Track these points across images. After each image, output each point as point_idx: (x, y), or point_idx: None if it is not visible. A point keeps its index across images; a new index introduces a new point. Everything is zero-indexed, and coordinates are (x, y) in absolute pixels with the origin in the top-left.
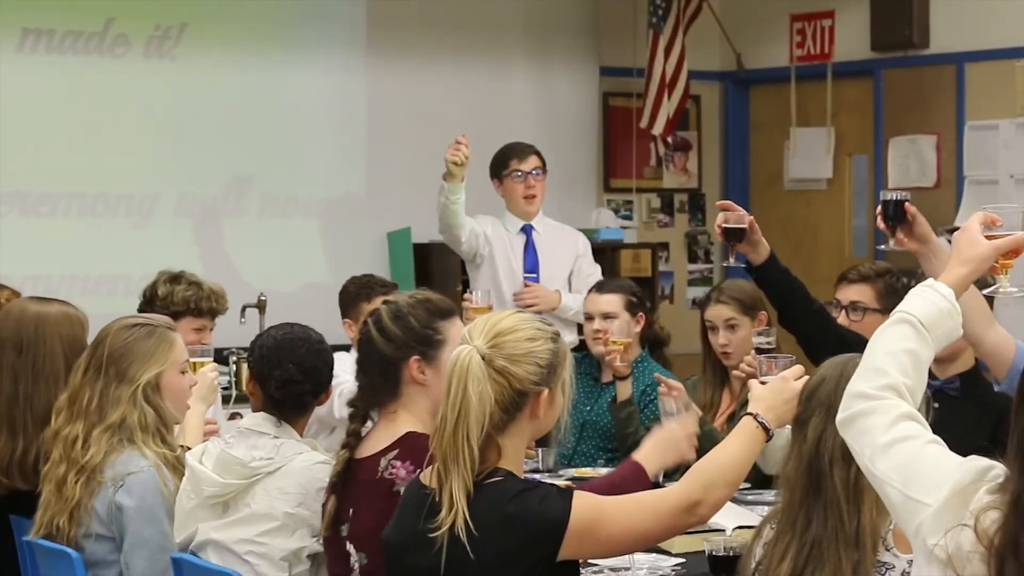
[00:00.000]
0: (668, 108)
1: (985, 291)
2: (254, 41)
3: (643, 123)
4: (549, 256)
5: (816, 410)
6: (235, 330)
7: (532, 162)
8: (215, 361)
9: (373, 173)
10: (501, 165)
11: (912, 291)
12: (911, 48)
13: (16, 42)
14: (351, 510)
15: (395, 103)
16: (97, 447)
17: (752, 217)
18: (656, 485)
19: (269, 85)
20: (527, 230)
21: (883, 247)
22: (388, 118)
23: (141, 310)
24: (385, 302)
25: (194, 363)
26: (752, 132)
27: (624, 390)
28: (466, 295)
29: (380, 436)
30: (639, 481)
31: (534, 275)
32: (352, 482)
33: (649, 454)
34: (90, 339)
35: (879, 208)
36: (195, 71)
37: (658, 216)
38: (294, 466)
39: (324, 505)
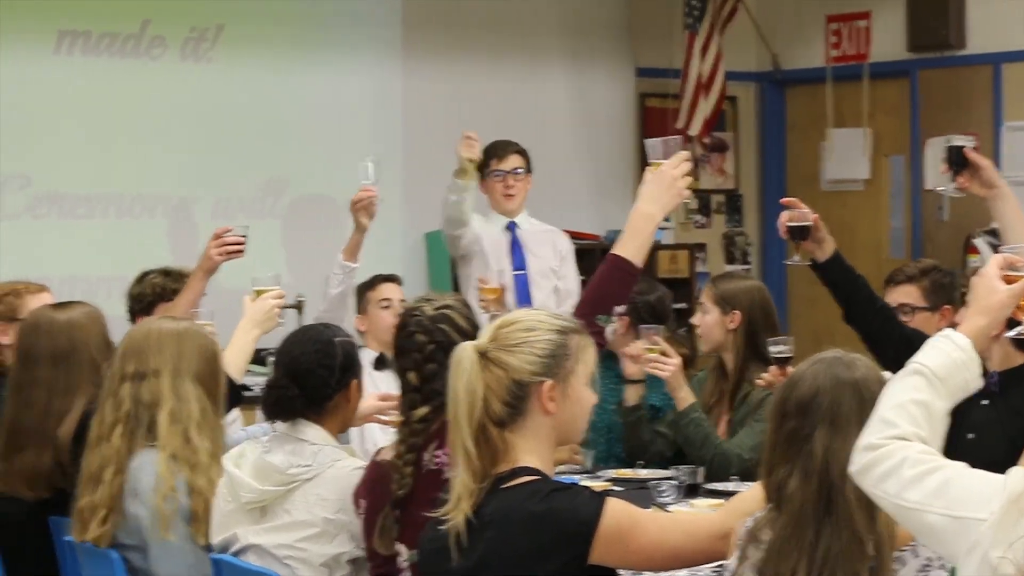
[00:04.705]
0: (705, 109)
1: (1009, 333)
2: (290, 43)
3: (680, 124)
4: (536, 253)
5: (818, 424)
6: (274, 331)
7: (512, 161)
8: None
9: (410, 174)
10: (483, 164)
11: (929, 341)
12: (948, 49)
13: (53, 44)
14: (398, 512)
15: (431, 104)
16: (129, 449)
17: (817, 215)
18: (633, 276)
19: (305, 86)
20: (511, 227)
21: (941, 189)
22: (424, 118)
23: (130, 311)
24: (446, 304)
25: (258, 291)
26: (789, 133)
27: (631, 394)
28: (481, 277)
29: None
30: (620, 271)
31: (522, 272)
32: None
33: (648, 201)
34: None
35: (943, 153)
36: (231, 73)
37: (695, 217)
38: (332, 473)
39: (374, 515)
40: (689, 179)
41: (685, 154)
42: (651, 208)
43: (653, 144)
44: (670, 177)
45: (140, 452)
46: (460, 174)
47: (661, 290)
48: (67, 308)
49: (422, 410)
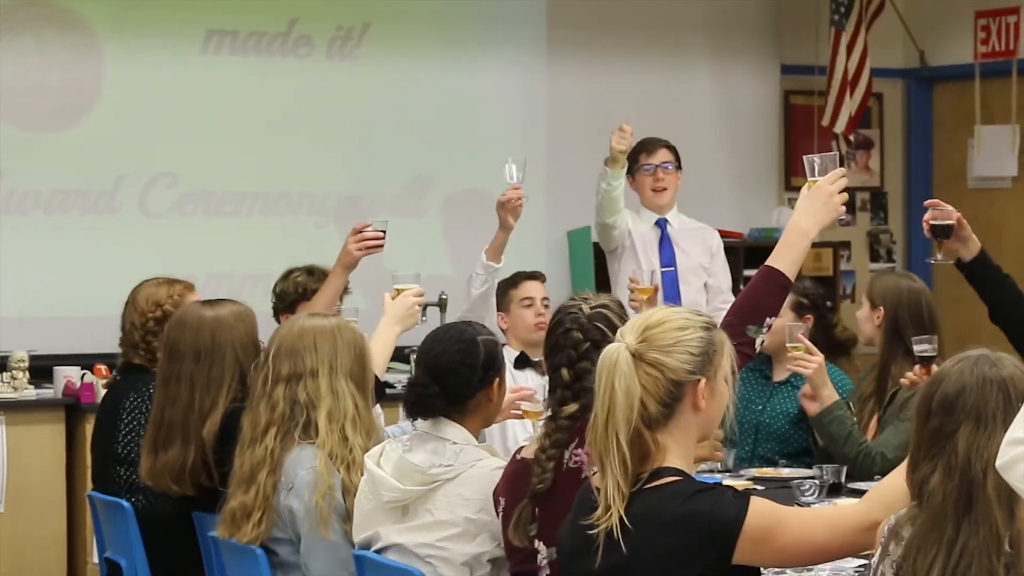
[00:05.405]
0: (850, 106)
1: None
2: (435, 41)
3: (825, 121)
4: (685, 250)
5: (962, 422)
6: (417, 329)
7: (661, 155)
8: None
9: (553, 172)
10: (632, 159)
11: None
12: None
13: (201, 43)
14: (537, 509)
15: (575, 102)
16: (282, 447)
17: (960, 214)
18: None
19: (450, 85)
20: (661, 224)
21: None
22: (568, 117)
23: (274, 309)
24: (602, 304)
25: (399, 289)
26: (935, 130)
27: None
28: (632, 275)
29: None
30: (773, 281)
31: (671, 268)
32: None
33: (805, 216)
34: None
35: None
36: (377, 71)
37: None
38: (474, 472)
39: (508, 510)
40: (845, 196)
41: (842, 171)
42: (807, 223)
43: (810, 160)
44: (827, 193)
45: (295, 448)
46: (611, 163)
47: (821, 288)
48: (216, 306)
49: (571, 407)
